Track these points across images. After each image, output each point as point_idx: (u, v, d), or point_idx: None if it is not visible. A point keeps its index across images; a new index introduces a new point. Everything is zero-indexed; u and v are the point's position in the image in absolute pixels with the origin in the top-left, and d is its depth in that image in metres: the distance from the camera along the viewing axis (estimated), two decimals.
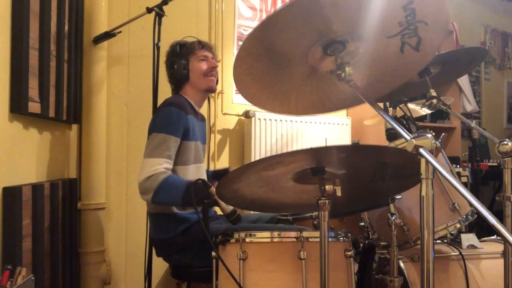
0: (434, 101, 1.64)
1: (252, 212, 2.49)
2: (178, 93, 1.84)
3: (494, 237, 1.87)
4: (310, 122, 2.90)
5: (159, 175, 1.53)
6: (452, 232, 1.70)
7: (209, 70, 1.80)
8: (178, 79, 1.81)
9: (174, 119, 1.63)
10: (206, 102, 1.94)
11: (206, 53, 1.82)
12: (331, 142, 2.91)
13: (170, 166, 1.60)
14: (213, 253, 1.26)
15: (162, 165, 1.56)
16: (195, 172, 1.72)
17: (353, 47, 1.07)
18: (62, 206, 1.88)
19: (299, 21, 0.96)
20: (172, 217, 1.65)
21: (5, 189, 1.42)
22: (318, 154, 1.03)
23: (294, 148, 2.84)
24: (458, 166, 3.22)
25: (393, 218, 1.40)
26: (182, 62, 1.78)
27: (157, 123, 1.64)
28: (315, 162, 1.04)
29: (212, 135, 2.74)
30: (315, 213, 1.78)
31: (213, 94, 2.73)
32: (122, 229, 2.44)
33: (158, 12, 2.07)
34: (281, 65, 1.11)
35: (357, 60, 1.10)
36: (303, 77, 1.17)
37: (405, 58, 1.10)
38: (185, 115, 1.67)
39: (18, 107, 1.48)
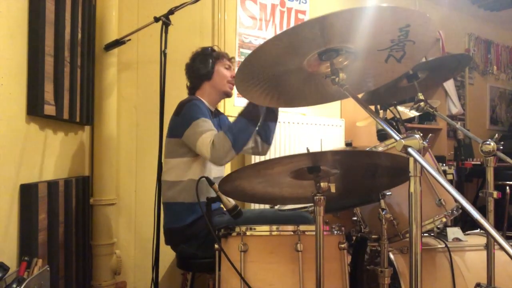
0: (422, 104, 1.64)
1: (252, 206, 2.50)
2: (193, 94, 1.86)
3: (478, 230, 1.87)
4: (307, 123, 2.90)
5: (217, 137, 1.54)
6: (438, 226, 1.70)
7: (231, 78, 1.86)
8: (201, 75, 1.84)
9: (201, 107, 1.67)
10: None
11: (231, 64, 1.89)
12: (326, 143, 2.91)
13: (215, 131, 1.61)
14: (216, 246, 1.26)
15: (211, 134, 1.57)
16: (207, 164, 1.73)
17: (345, 56, 1.08)
18: (76, 202, 1.88)
19: (300, 41, 0.97)
20: (183, 206, 1.67)
21: (23, 186, 1.42)
22: (314, 156, 1.03)
23: (291, 148, 2.84)
24: (444, 164, 3.23)
25: (383, 213, 1.40)
26: (212, 62, 1.83)
27: (190, 114, 1.65)
28: (311, 162, 1.05)
29: None
30: (311, 208, 1.78)
31: None
32: (131, 223, 2.44)
33: (165, 21, 2.07)
34: (279, 70, 1.12)
35: (346, 64, 1.11)
36: (301, 76, 1.17)
37: (387, 67, 1.11)
38: (206, 105, 1.72)
39: (34, 109, 1.48)
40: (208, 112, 1.70)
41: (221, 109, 2.76)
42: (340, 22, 0.93)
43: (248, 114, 1.59)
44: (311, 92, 1.27)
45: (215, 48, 1.92)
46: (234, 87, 1.47)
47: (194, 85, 1.87)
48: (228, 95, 1.90)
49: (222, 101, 2.75)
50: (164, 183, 1.76)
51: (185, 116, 1.66)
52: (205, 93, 1.84)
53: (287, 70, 1.12)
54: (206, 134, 1.58)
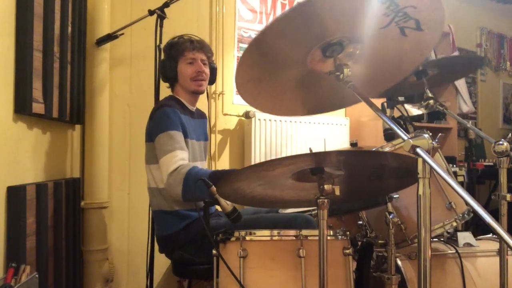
0: (431, 101, 1.64)
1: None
2: (172, 93, 1.86)
3: (490, 235, 1.87)
4: (309, 122, 2.90)
5: (181, 169, 1.54)
6: (448, 231, 1.70)
7: (195, 75, 1.78)
8: (168, 80, 1.84)
9: (172, 117, 1.65)
10: (206, 103, 1.94)
11: (196, 55, 1.78)
12: (330, 143, 2.91)
13: (186, 156, 1.62)
14: (214, 251, 1.26)
15: (178, 156, 1.58)
16: None
17: (351, 47, 1.07)
18: (66, 205, 1.88)
19: (297, 28, 0.97)
20: (173, 213, 1.66)
21: (10, 188, 1.42)
22: (318, 157, 1.03)
23: (293, 148, 2.84)
24: (454, 165, 3.23)
25: (390, 216, 1.40)
26: (171, 64, 1.78)
27: (157, 125, 1.66)
28: (315, 163, 1.04)
29: (213, 135, 2.74)
30: (314, 212, 1.78)
31: (214, 95, 2.74)
32: (125, 228, 2.44)
33: (160, 15, 2.07)
34: (280, 69, 1.11)
35: (357, 57, 1.10)
36: (303, 79, 1.17)
37: (412, 40, 1.07)
38: (180, 113, 1.69)
39: (22, 107, 1.48)
40: (178, 119, 1.66)
41: (219, 108, 2.77)
42: (323, 10, 0.93)
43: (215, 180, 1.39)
44: (315, 98, 1.26)
45: (176, 40, 1.82)
46: (235, 88, 1.45)
47: (169, 85, 1.87)
48: (197, 92, 1.83)
49: (220, 99, 2.77)
50: (148, 191, 1.76)
51: (155, 123, 1.68)
52: (179, 93, 1.83)
53: (291, 75, 1.12)
54: (169, 156, 1.58)
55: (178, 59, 1.78)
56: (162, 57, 1.87)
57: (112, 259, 2.33)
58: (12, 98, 1.45)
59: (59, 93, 1.79)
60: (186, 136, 1.69)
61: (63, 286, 1.81)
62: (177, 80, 1.81)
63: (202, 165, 1.84)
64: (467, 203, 1.11)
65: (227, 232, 1.27)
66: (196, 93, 1.84)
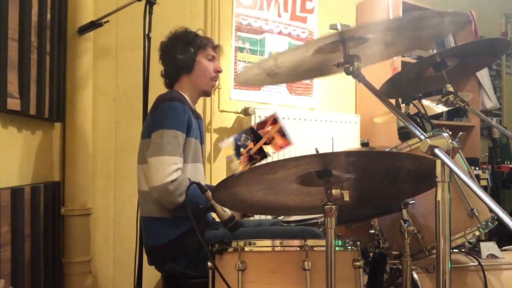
0: (451, 97, 1.64)
1: (251, 218, 2.50)
2: (172, 88, 1.85)
3: None
4: (315, 120, 2.90)
5: (183, 181, 1.57)
6: (470, 240, 1.70)
7: (215, 74, 1.84)
8: (180, 68, 1.81)
9: (181, 115, 1.65)
10: (201, 98, 1.95)
11: (215, 54, 1.86)
12: (338, 142, 2.91)
13: (182, 165, 1.64)
14: (209, 263, 1.26)
15: (179, 164, 1.60)
16: (192, 171, 1.73)
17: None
18: (44, 212, 1.88)
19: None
20: (166, 221, 1.66)
21: None
22: (325, 158, 1.03)
23: (298, 149, 2.84)
24: (477, 168, 3.23)
25: (406, 225, 1.40)
26: (191, 52, 1.79)
27: (163, 118, 1.65)
28: (321, 165, 1.05)
29: (208, 134, 2.74)
30: (321, 220, 1.78)
31: None
32: (110, 237, 2.44)
33: (149, 0, 2.07)
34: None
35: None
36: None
37: None
38: (188, 110, 1.70)
39: None
40: (185, 118, 1.67)
41: (214, 104, 2.76)
42: None
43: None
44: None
45: (199, 32, 1.88)
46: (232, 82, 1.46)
47: (171, 76, 1.85)
48: (207, 94, 1.91)
49: (216, 94, 2.77)
50: (139, 194, 1.76)
51: (161, 114, 1.66)
52: (184, 88, 1.82)
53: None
54: (171, 159, 1.58)
55: (199, 50, 1.81)
56: (172, 41, 1.83)
57: (96, 272, 2.34)
58: None
59: (37, 88, 1.79)
60: (190, 134, 1.69)
61: None
62: (190, 71, 1.81)
63: (201, 167, 1.85)
64: (491, 210, 1.10)
65: (224, 242, 1.27)
66: (204, 94, 1.89)
